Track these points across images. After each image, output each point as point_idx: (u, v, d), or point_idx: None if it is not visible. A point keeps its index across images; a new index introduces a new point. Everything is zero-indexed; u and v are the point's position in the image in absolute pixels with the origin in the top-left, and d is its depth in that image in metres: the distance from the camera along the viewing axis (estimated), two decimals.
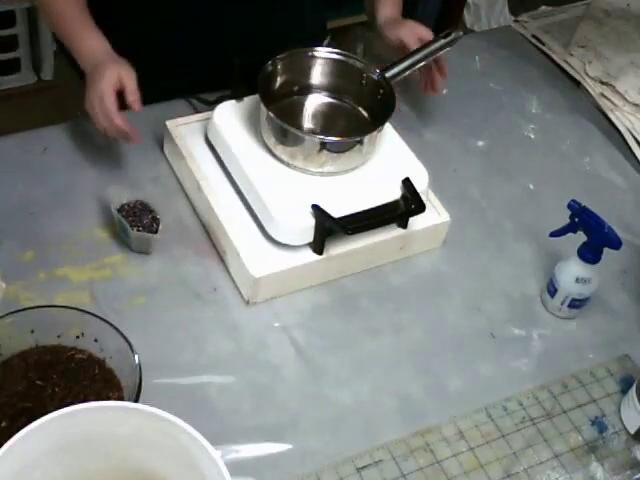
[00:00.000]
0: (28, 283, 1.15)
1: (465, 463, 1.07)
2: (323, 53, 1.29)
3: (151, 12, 1.31)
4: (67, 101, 1.53)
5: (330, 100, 1.31)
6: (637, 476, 1.09)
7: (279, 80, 1.28)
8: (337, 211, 1.16)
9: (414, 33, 1.35)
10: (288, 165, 1.22)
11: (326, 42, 1.57)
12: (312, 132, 1.24)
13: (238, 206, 1.23)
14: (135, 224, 1.19)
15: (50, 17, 1.29)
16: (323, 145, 1.18)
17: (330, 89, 1.31)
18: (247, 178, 1.20)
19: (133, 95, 1.19)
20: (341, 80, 1.30)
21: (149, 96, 1.38)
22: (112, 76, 1.18)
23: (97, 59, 1.21)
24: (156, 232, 1.19)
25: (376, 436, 1.08)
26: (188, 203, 1.29)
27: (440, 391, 1.14)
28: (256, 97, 1.23)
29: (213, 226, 1.23)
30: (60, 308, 1.04)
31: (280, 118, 1.18)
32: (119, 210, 1.19)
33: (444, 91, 1.54)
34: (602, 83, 1.59)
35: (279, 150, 1.21)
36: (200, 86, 1.38)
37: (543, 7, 1.80)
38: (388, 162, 1.26)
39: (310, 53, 1.29)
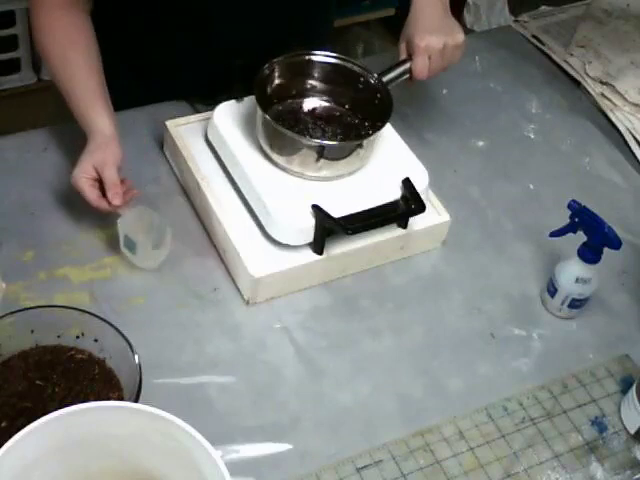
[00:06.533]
0: (28, 283, 1.15)
1: (465, 463, 1.07)
2: (320, 57, 1.28)
3: (151, 12, 1.31)
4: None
5: (327, 104, 1.30)
6: (637, 476, 1.09)
7: (276, 84, 1.27)
8: (337, 211, 1.16)
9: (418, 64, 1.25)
10: (285, 169, 1.21)
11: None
12: (309, 136, 1.23)
13: (238, 206, 1.23)
14: None
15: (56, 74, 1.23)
16: (320, 150, 1.17)
17: (327, 93, 1.30)
18: (247, 178, 1.20)
19: (113, 188, 1.14)
20: (338, 84, 1.29)
21: (149, 96, 1.39)
22: (86, 168, 1.15)
23: (92, 140, 1.18)
24: None
25: (376, 436, 1.08)
26: (188, 203, 1.28)
27: (440, 391, 1.14)
28: None
29: (213, 226, 1.23)
30: (60, 308, 1.04)
31: (277, 122, 1.18)
32: None
33: (444, 91, 1.54)
34: (602, 83, 1.59)
35: (276, 154, 1.21)
36: (200, 87, 1.38)
37: (543, 7, 1.80)
38: (388, 162, 1.26)
39: (307, 57, 1.28)
